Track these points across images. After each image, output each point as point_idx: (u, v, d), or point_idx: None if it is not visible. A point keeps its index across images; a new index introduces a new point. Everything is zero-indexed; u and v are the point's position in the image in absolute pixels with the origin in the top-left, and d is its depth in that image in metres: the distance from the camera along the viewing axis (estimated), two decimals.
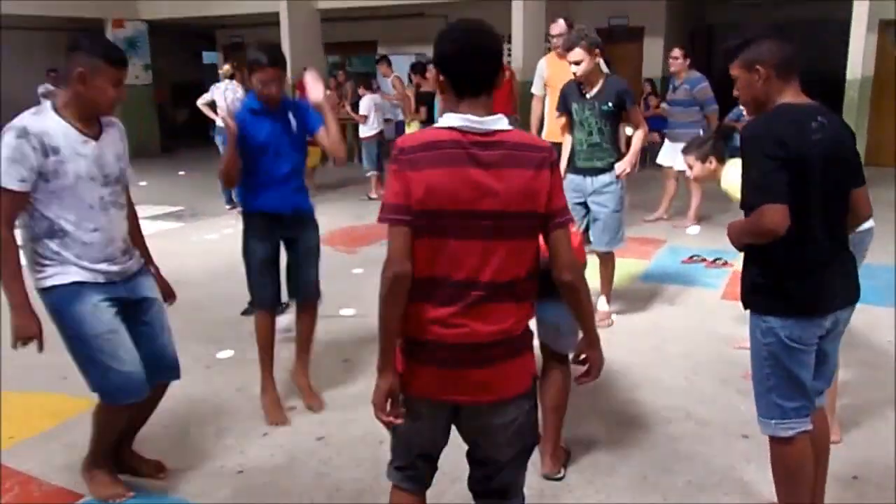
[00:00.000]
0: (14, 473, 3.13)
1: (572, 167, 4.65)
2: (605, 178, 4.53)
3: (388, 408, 1.94)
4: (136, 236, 2.99)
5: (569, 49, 4.37)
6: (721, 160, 3.65)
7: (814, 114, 2.31)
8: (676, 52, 7.39)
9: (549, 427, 3.00)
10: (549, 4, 10.99)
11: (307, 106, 3.64)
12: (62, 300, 2.65)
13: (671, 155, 7.57)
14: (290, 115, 3.55)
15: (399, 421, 1.96)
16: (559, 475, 3.04)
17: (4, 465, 3.19)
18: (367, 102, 9.52)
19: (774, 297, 2.37)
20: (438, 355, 1.89)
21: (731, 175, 3.54)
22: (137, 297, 2.86)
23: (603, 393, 3.80)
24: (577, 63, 4.35)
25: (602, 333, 3.95)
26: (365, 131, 9.58)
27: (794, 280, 2.34)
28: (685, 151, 3.80)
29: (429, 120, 8.59)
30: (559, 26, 5.92)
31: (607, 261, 4.76)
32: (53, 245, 2.65)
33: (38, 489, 3.04)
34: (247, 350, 4.42)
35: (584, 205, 4.61)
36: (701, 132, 7.12)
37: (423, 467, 2.12)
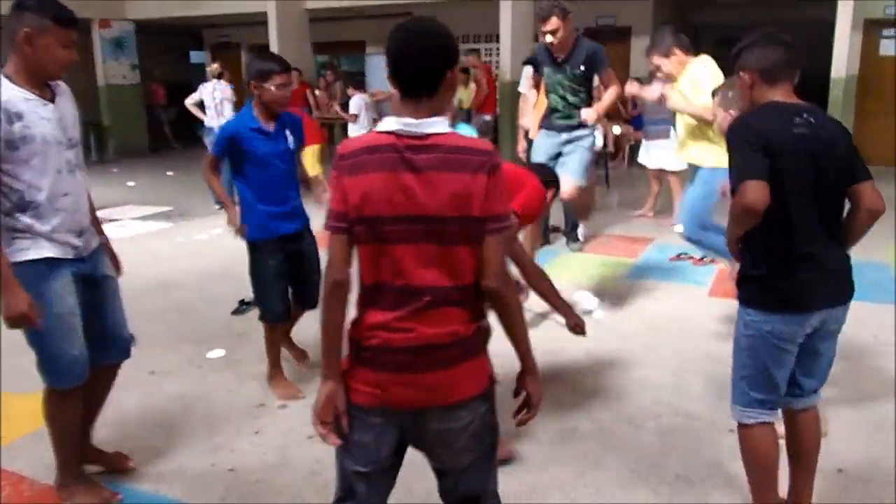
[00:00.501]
0: (6, 473, 3.12)
1: (546, 124, 4.76)
2: (580, 131, 4.67)
3: (331, 418, 1.88)
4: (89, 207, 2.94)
5: (545, 19, 4.45)
6: None
7: (800, 111, 2.35)
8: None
9: None
10: (537, 4, 11.02)
11: (298, 119, 3.87)
12: (35, 276, 2.59)
13: (646, 153, 7.68)
14: (287, 132, 3.69)
15: (336, 442, 1.90)
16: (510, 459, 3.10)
17: None
18: (356, 102, 9.53)
19: (758, 290, 2.42)
20: (386, 359, 1.83)
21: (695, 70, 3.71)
22: (98, 274, 2.84)
23: (591, 389, 3.84)
24: (554, 32, 4.45)
25: (590, 331, 3.97)
26: (354, 130, 9.57)
27: (779, 275, 2.38)
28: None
29: None
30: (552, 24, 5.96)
31: (578, 195, 4.77)
32: (26, 218, 2.58)
33: (29, 489, 3.03)
34: (237, 350, 4.44)
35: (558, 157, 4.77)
36: (671, 129, 7.20)
37: (365, 497, 1.95)
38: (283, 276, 3.75)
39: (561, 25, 4.43)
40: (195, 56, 18.56)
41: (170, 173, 12.37)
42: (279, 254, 3.70)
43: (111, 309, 2.91)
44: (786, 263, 2.37)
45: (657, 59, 3.97)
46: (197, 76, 14.50)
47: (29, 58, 2.54)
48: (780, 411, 2.60)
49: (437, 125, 1.79)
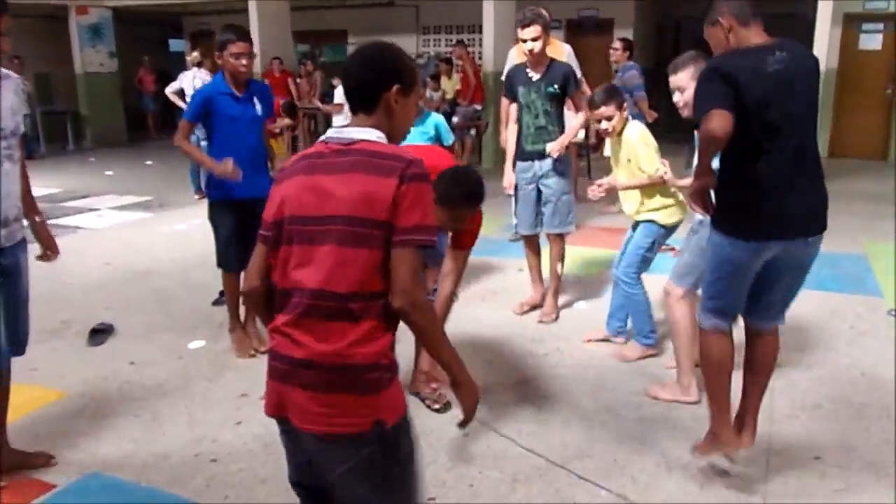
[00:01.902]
0: None
1: (519, 153, 4.69)
2: (551, 160, 4.58)
3: None
4: (23, 189, 2.95)
5: (527, 25, 4.36)
6: None
7: (773, 49, 2.50)
8: (616, 43, 7.66)
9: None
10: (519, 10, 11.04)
11: (267, 87, 4.15)
12: None
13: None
14: (256, 100, 3.93)
15: None
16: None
17: None
18: (341, 92, 9.49)
19: (723, 216, 2.62)
20: (275, 365, 1.79)
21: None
22: (13, 268, 2.83)
23: (574, 379, 3.86)
24: (535, 39, 4.34)
25: (572, 321, 4.00)
26: (340, 121, 9.55)
27: (741, 206, 2.55)
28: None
29: None
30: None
31: (557, 243, 4.77)
32: None
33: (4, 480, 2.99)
34: (219, 340, 4.41)
35: (538, 189, 4.67)
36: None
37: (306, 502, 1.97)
38: (238, 234, 3.91)
39: (542, 35, 4.35)
40: (174, 44, 18.37)
41: (148, 162, 12.26)
42: (233, 213, 3.91)
43: (19, 305, 2.89)
44: (751, 195, 2.52)
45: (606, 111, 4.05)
46: (176, 64, 14.36)
47: None
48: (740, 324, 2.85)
49: (366, 133, 1.80)
